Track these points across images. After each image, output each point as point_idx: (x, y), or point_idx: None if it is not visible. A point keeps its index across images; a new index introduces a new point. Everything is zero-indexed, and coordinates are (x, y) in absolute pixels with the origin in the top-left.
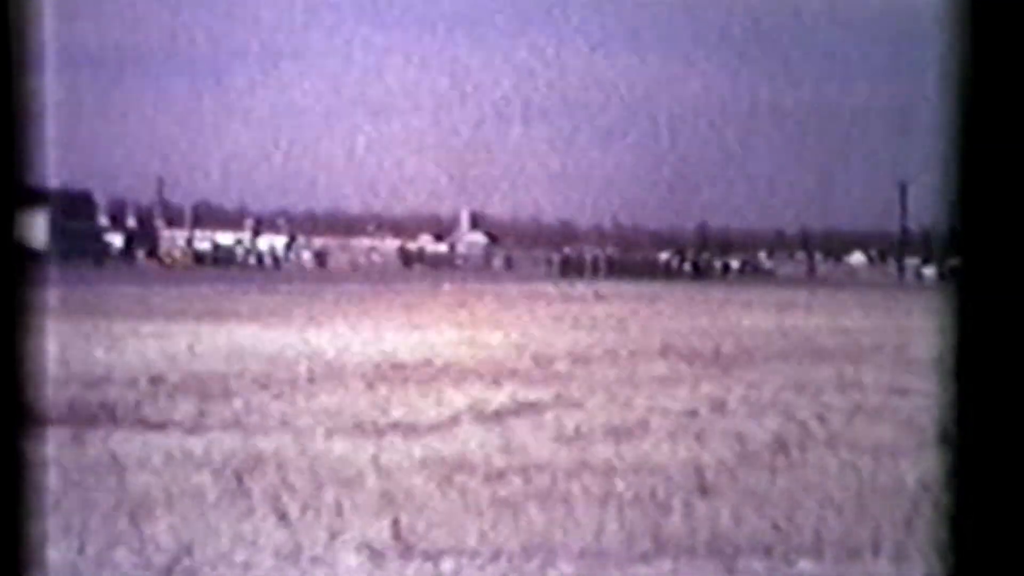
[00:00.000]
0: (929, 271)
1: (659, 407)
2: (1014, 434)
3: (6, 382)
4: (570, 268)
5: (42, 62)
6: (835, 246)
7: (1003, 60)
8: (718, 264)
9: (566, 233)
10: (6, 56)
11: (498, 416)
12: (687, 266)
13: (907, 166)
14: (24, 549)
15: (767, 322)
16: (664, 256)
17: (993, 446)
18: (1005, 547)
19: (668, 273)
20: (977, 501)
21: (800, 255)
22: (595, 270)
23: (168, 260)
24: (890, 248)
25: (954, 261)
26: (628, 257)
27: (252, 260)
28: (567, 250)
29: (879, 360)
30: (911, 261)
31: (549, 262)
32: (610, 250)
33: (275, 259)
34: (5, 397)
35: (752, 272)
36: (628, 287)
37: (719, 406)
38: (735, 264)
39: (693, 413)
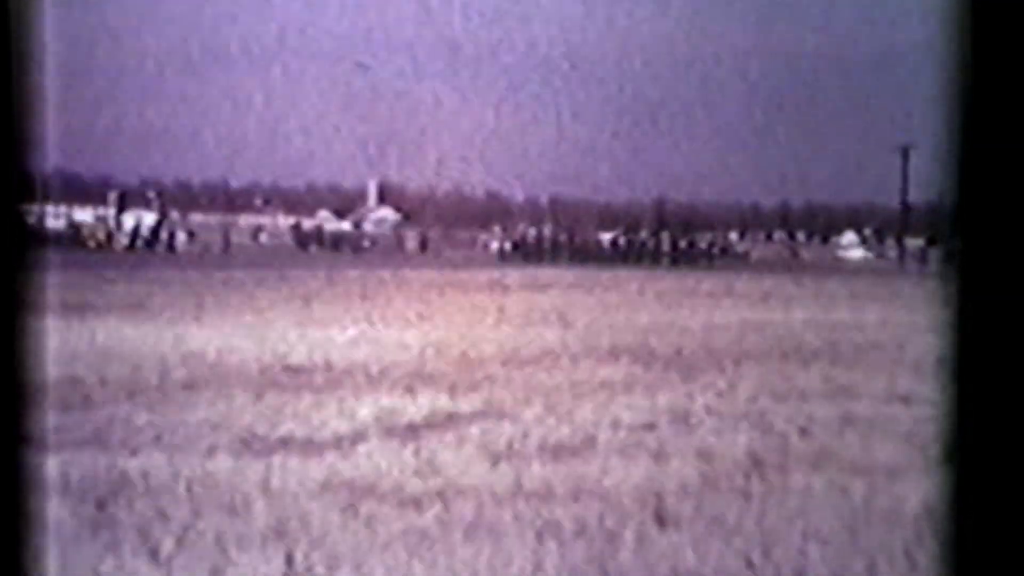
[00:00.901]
0: (936, 254)
1: (609, 419)
2: (1014, 434)
3: None
4: (502, 251)
5: None
6: (822, 224)
7: (1004, 56)
8: (680, 245)
9: (496, 209)
10: None
11: (413, 430)
12: (643, 248)
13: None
14: (23, 554)
15: (739, 315)
16: (614, 236)
17: (993, 446)
18: (1005, 549)
19: (620, 257)
20: (978, 504)
21: (779, 235)
22: (533, 253)
23: None
24: (890, 227)
25: (958, 245)
26: (572, 238)
27: (123, 241)
28: (497, 229)
29: (875, 361)
30: (915, 242)
31: (475, 243)
32: (550, 229)
33: (145, 240)
34: None
35: (721, 255)
36: (572, 273)
37: (681, 418)
38: (701, 246)
39: (650, 426)
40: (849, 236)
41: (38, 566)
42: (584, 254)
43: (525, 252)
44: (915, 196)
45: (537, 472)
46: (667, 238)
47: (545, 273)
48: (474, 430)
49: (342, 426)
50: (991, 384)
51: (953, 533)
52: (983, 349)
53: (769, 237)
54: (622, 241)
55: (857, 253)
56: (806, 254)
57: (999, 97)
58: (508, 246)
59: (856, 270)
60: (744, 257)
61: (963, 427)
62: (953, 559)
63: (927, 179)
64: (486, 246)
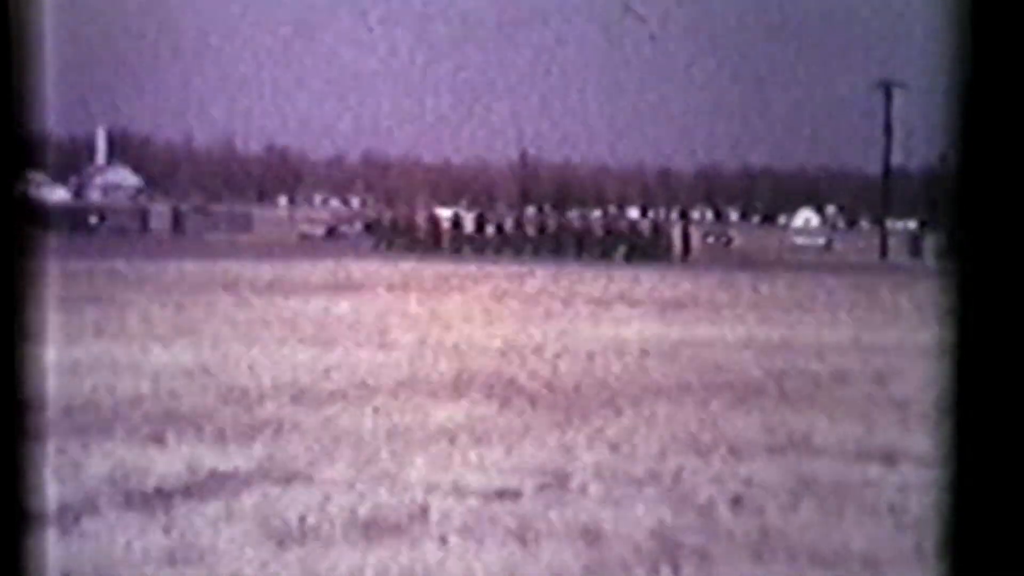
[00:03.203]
0: (932, 241)
1: (448, 482)
2: (1015, 434)
3: None
4: (304, 235)
5: None
6: (766, 197)
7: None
8: (550, 224)
9: (285, 171)
10: None
11: (161, 498)
12: (501, 230)
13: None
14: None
15: (641, 330)
16: (455, 213)
17: (994, 446)
18: (1005, 547)
19: (466, 241)
20: (976, 500)
21: (703, 211)
22: (337, 236)
23: None
24: (865, 203)
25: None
26: (396, 215)
27: None
28: (284, 201)
29: (842, 401)
30: (901, 225)
31: (251, 221)
32: (362, 202)
33: None
34: None
35: (616, 237)
36: (396, 267)
37: (556, 482)
38: (587, 226)
39: (509, 494)
40: (805, 215)
41: (38, 565)
42: (411, 238)
43: (327, 234)
44: (903, 158)
45: (343, 561)
46: (536, 215)
47: (356, 267)
48: (250, 499)
49: (64, 493)
50: (995, 386)
51: (953, 533)
52: (987, 350)
53: (686, 215)
54: (468, 219)
55: (817, 240)
56: (743, 240)
57: (1003, 74)
58: (308, 227)
59: (816, 265)
60: (651, 241)
61: (963, 427)
62: (953, 559)
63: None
64: (277, 224)
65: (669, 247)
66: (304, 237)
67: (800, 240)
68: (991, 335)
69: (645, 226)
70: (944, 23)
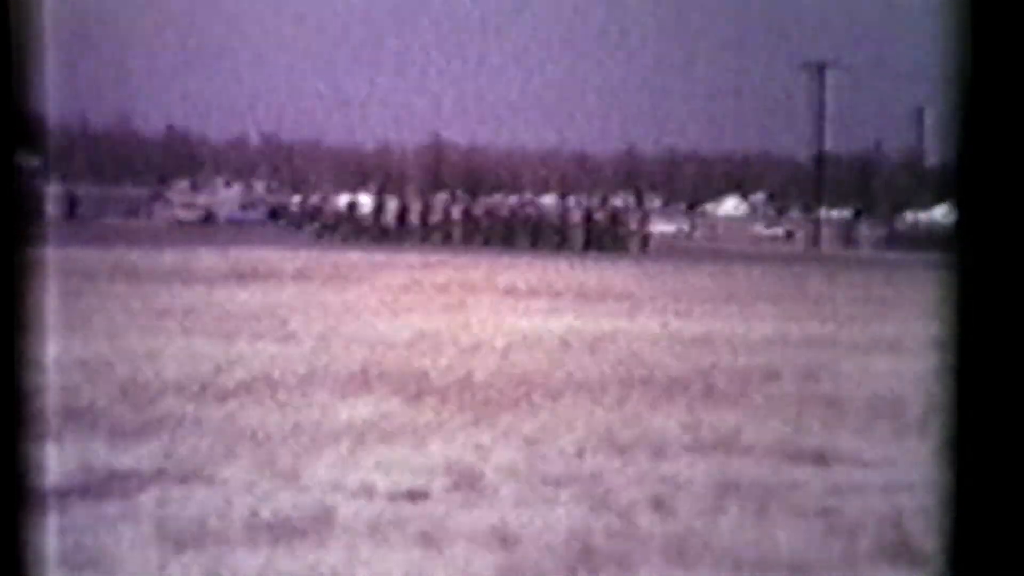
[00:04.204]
0: (868, 230)
1: (355, 482)
2: (1014, 434)
3: None
4: (179, 221)
5: None
6: (687, 183)
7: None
8: (455, 212)
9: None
10: None
11: (59, 498)
12: (404, 216)
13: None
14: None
15: (557, 322)
16: (352, 199)
17: (993, 446)
18: (1005, 547)
19: (362, 229)
20: (976, 500)
21: (621, 198)
22: (211, 220)
23: None
24: (795, 189)
25: (921, 214)
26: (286, 201)
27: None
28: (184, 186)
29: (772, 397)
30: (836, 214)
31: (147, 204)
32: (261, 187)
33: None
34: None
35: (524, 225)
36: (289, 255)
37: (467, 481)
38: (494, 212)
39: (417, 494)
40: (732, 202)
41: (38, 566)
42: (320, 224)
43: (204, 220)
44: (836, 143)
45: (243, 565)
46: (441, 200)
47: (260, 255)
48: (147, 497)
49: None
50: (994, 384)
51: (953, 533)
52: (987, 347)
53: (603, 203)
54: (365, 203)
55: (743, 228)
56: (663, 227)
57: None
58: (184, 212)
59: (744, 254)
60: (559, 229)
61: (963, 428)
62: (953, 559)
63: (852, 113)
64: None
65: (627, 237)
66: (179, 224)
67: (761, 230)
68: (991, 333)
69: (602, 215)
70: (944, 22)
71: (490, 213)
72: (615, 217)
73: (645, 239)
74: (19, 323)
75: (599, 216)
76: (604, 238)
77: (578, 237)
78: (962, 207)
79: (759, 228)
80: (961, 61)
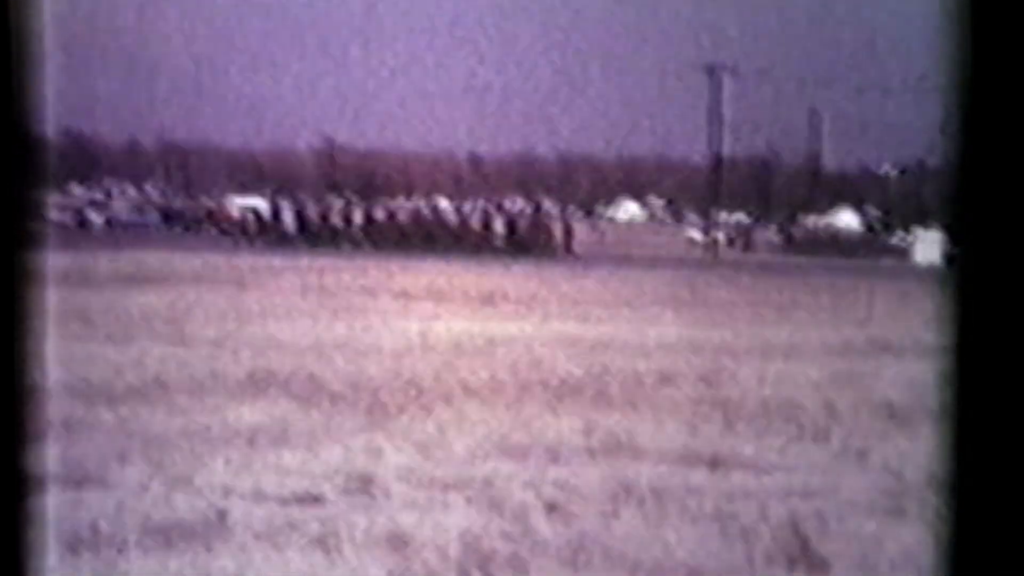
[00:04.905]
0: (766, 235)
1: (247, 486)
2: (1014, 435)
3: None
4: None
5: None
6: (582, 187)
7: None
8: (355, 216)
9: (69, 161)
10: None
11: None
12: (294, 219)
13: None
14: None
15: (445, 327)
16: (251, 201)
17: (993, 447)
18: (1005, 547)
19: (266, 229)
20: (976, 500)
21: (516, 202)
22: (85, 225)
23: None
24: (692, 194)
25: (819, 219)
26: (190, 203)
27: None
28: (77, 190)
29: (668, 401)
30: (734, 219)
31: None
32: (154, 190)
33: None
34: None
35: (415, 228)
36: (190, 259)
37: (361, 485)
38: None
39: (311, 499)
40: (627, 206)
41: (38, 565)
42: (216, 228)
43: (79, 225)
44: (733, 147)
45: (136, 569)
46: (338, 204)
47: (153, 258)
48: (39, 503)
49: None
50: (994, 386)
51: (954, 533)
52: (987, 349)
53: (500, 208)
54: (261, 206)
55: (642, 233)
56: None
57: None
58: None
59: (643, 259)
60: (455, 233)
61: (963, 427)
62: (953, 558)
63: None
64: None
65: (549, 241)
66: (76, 227)
67: (693, 235)
68: (990, 335)
69: (525, 219)
70: (944, 22)
71: (391, 217)
72: (538, 222)
73: (569, 243)
74: (19, 329)
75: (523, 221)
76: (528, 243)
77: (496, 241)
78: (962, 211)
79: (694, 233)
80: (961, 66)
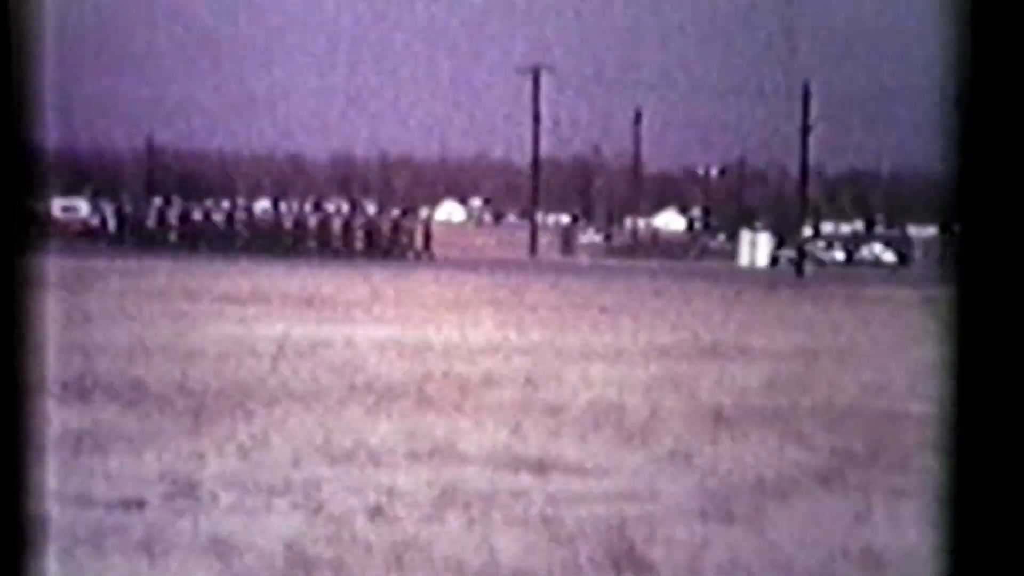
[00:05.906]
0: (586, 237)
1: (71, 491)
2: (1013, 436)
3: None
4: None
5: None
6: (401, 189)
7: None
8: (171, 217)
9: None
10: None
11: None
12: (114, 220)
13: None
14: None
15: (269, 328)
16: (60, 203)
17: (992, 448)
18: (1005, 547)
19: (86, 232)
20: (976, 501)
21: (338, 203)
22: None
23: None
24: (514, 196)
25: (641, 221)
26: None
27: None
28: None
29: (496, 404)
30: (554, 220)
31: None
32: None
33: None
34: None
35: (230, 230)
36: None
37: (183, 489)
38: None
39: (134, 504)
40: (448, 208)
41: (38, 566)
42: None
43: None
44: (554, 148)
45: None
46: (156, 206)
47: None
48: None
49: None
50: (993, 388)
51: (953, 533)
52: (986, 352)
53: (318, 207)
54: (81, 208)
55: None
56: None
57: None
58: None
59: (464, 261)
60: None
61: (962, 428)
62: (953, 558)
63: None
64: None
65: (410, 245)
66: None
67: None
68: (990, 337)
69: (383, 221)
70: (941, 25)
71: (207, 218)
72: (397, 225)
73: (428, 245)
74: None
75: (379, 223)
76: (385, 245)
77: (351, 243)
78: (962, 214)
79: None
80: (960, 71)
